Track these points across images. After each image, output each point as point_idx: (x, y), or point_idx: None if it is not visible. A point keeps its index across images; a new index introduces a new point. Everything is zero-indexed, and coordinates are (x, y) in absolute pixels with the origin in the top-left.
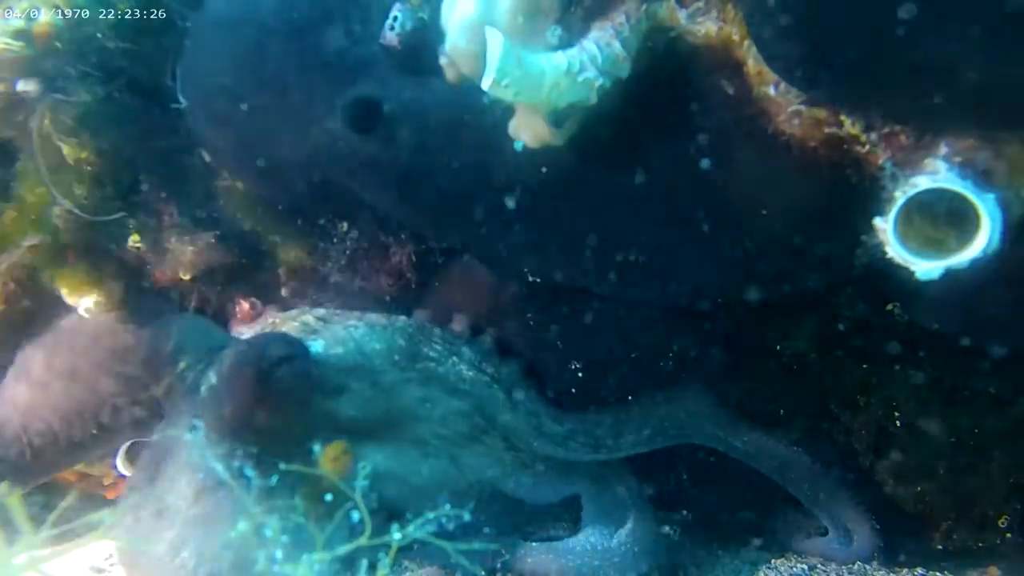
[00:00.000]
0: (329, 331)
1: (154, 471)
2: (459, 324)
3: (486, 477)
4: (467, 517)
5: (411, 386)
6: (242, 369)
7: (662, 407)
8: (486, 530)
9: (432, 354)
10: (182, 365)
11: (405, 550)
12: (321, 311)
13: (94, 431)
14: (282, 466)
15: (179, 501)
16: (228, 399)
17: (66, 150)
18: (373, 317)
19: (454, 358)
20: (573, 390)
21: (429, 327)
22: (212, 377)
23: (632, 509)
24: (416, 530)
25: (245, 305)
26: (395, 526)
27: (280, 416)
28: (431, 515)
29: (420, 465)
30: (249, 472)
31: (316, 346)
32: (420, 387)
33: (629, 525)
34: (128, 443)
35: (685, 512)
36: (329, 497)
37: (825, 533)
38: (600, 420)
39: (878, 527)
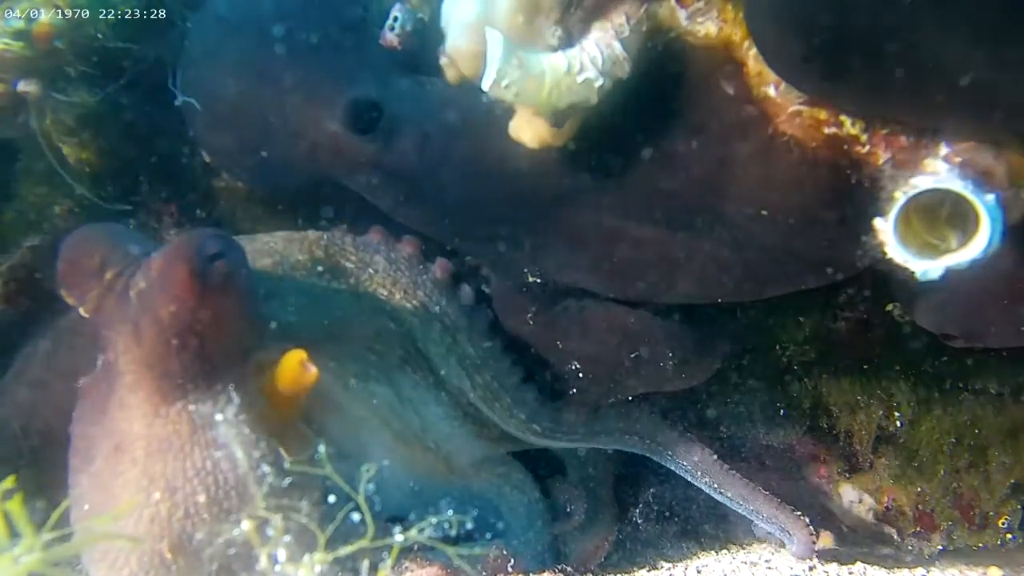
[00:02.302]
0: (249, 245)
1: (102, 403)
2: (376, 234)
3: (427, 417)
4: (470, 525)
5: (343, 297)
6: (176, 266)
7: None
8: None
9: (349, 266)
10: (109, 276)
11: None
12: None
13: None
14: (287, 465)
15: (136, 426)
16: (165, 300)
17: (67, 150)
18: (283, 233)
19: (370, 270)
20: (568, 389)
21: (341, 236)
22: (140, 281)
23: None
24: (419, 534)
25: None
26: (397, 528)
27: (225, 318)
28: (433, 520)
29: (361, 388)
30: (266, 468)
31: None
32: (351, 299)
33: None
34: None
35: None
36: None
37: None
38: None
39: (811, 528)
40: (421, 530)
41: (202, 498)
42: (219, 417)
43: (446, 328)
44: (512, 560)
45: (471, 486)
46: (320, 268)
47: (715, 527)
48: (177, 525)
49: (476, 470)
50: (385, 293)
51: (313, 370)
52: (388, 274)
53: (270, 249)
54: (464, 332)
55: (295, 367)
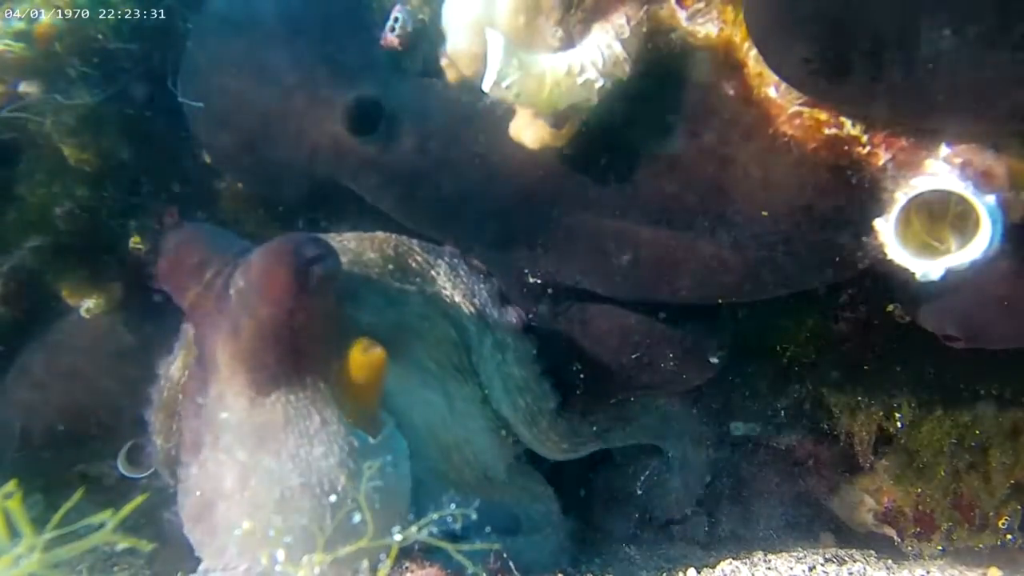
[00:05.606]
0: None
1: (200, 397)
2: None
3: (471, 430)
4: (474, 516)
5: (414, 299)
6: (276, 269)
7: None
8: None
9: (415, 266)
10: (208, 275)
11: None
12: None
13: (95, 431)
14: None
15: (233, 416)
16: (265, 301)
17: (67, 151)
18: (353, 233)
19: (433, 272)
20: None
21: (408, 238)
22: (240, 281)
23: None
24: (419, 532)
25: None
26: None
27: (318, 317)
28: (435, 515)
29: (419, 395)
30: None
31: None
32: (421, 303)
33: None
34: (129, 443)
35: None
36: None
37: None
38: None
39: None
40: (421, 528)
41: (296, 482)
42: (310, 408)
43: (497, 344)
44: (513, 561)
45: (495, 499)
46: (391, 267)
47: (716, 529)
48: (274, 508)
49: (504, 483)
50: (447, 296)
51: (379, 350)
52: (449, 278)
53: (343, 248)
54: (512, 351)
55: (361, 356)
